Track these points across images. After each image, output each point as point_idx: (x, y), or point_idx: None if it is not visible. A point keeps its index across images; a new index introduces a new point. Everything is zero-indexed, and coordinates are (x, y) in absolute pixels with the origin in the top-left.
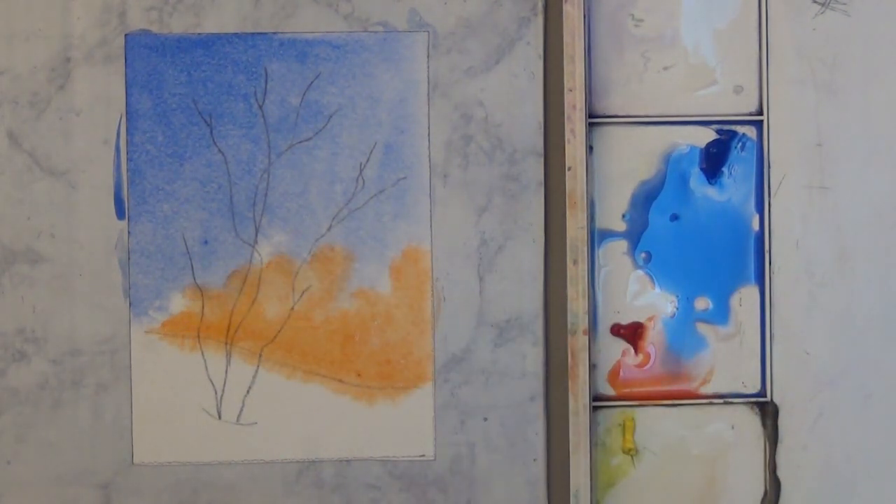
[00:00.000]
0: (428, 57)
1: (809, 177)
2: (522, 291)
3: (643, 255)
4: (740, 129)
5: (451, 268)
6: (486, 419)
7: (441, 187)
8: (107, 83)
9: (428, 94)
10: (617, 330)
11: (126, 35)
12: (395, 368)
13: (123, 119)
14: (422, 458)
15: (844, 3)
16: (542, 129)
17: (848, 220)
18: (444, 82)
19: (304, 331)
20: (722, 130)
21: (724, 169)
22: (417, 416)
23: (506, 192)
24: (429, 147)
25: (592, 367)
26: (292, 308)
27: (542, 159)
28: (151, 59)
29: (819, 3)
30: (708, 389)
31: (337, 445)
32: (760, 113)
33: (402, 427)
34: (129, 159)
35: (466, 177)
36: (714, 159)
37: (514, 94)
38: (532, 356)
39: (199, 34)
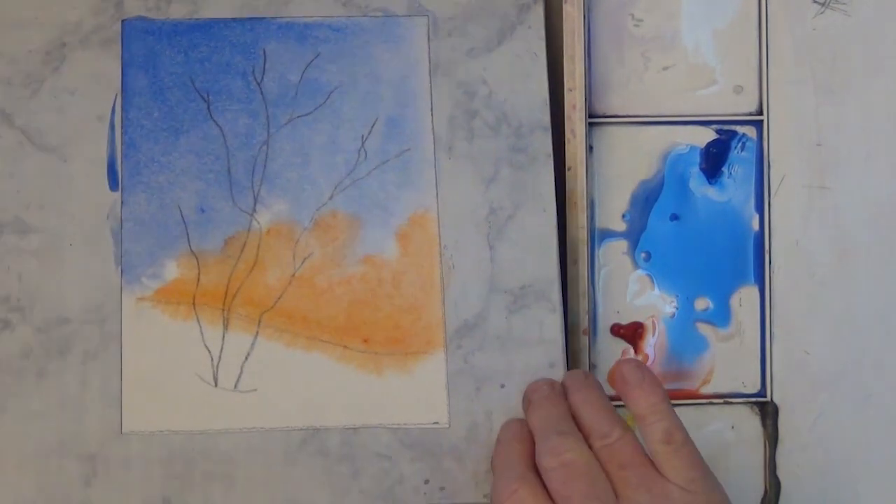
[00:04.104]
0: (428, 39)
1: (809, 177)
2: (535, 259)
3: (643, 255)
4: (740, 129)
5: (459, 236)
6: (503, 386)
7: (446, 159)
8: (103, 65)
9: (429, 73)
10: (617, 330)
11: (123, 21)
12: (405, 334)
13: (119, 97)
14: (435, 426)
15: (844, 3)
16: (547, 105)
17: (848, 220)
18: (445, 62)
19: (306, 297)
20: (722, 130)
21: (724, 169)
22: (429, 383)
23: (513, 163)
24: (432, 121)
25: (592, 367)
26: (293, 275)
27: (548, 133)
28: (148, 41)
29: (819, 3)
30: (708, 389)
31: (343, 412)
32: (760, 113)
33: (413, 394)
34: (123, 133)
35: (472, 149)
36: (714, 159)
37: (517, 72)
38: (549, 323)
39: (196, 20)
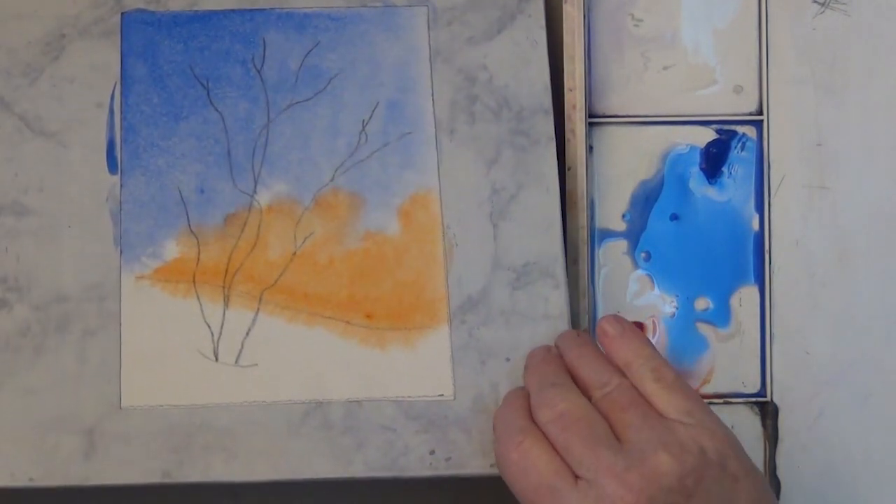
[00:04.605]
0: (428, 28)
1: (809, 177)
2: (539, 237)
3: (643, 254)
4: (740, 129)
5: (461, 215)
6: (508, 359)
7: (448, 142)
8: (102, 54)
9: (430, 60)
10: None
11: (123, 13)
12: (408, 310)
13: (118, 84)
14: (440, 398)
15: (844, 3)
16: (548, 90)
17: (848, 220)
18: (445, 50)
19: (307, 274)
20: (722, 130)
21: (724, 169)
22: (433, 358)
23: (515, 145)
24: (433, 105)
25: None
26: (294, 253)
27: (550, 116)
28: (147, 32)
29: (819, 3)
30: (708, 389)
31: (346, 386)
32: (760, 113)
33: (417, 368)
34: (123, 119)
35: (473, 132)
36: (714, 159)
37: (518, 58)
38: (554, 299)
39: (195, 11)
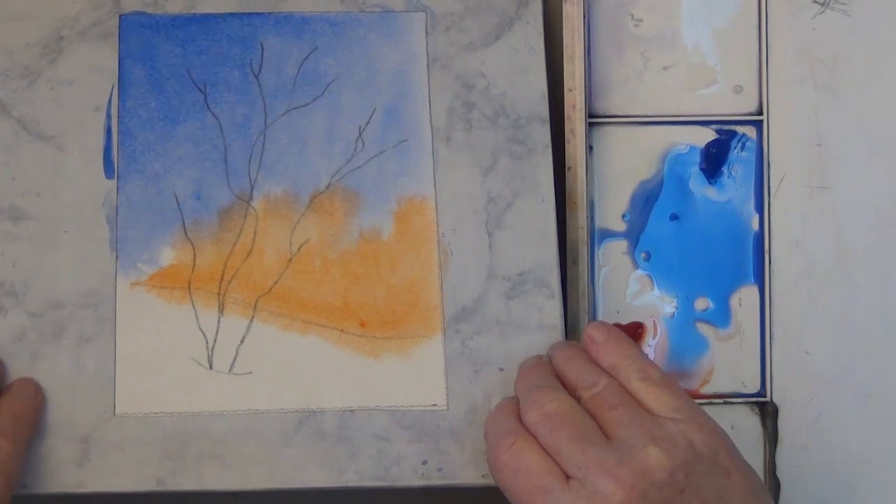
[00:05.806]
0: (426, 34)
1: (809, 177)
2: (534, 246)
3: (643, 255)
4: (740, 129)
5: (457, 223)
6: (501, 369)
7: (444, 149)
8: (100, 57)
9: (427, 67)
10: None
11: (121, 15)
12: (402, 318)
13: (116, 88)
14: (434, 408)
15: (844, 3)
16: (545, 98)
17: (848, 220)
18: (443, 56)
19: (302, 281)
20: (722, 130)
21: (724, 169)
22: (427, 367)
23: (512, 153)
24: (430, 112)
25: None
26: (290, 259)
27: (547, 125)
28: (146, 35)
29: (819, 3)
30: (708, 389)
31: (340, 395)
32: (760, 113)
33: (411, 377)
34: (119, 122)
35: (470, 139)
36: (714, 159)
37: (515, 66)
38: (548, 309)
39: (193, 14)
